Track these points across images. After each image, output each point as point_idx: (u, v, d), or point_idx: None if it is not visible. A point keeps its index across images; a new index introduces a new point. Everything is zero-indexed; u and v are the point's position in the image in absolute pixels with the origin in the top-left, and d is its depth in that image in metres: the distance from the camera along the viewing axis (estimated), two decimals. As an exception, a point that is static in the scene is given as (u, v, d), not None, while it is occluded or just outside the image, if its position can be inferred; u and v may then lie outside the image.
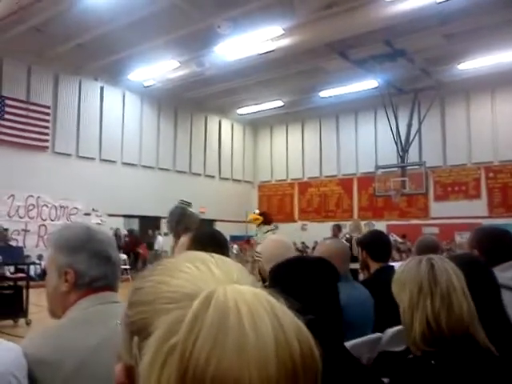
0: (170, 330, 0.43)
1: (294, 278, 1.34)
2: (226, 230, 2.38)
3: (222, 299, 0.43)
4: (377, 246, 3.15)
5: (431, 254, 1.42)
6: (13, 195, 14.31)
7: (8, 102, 14.50)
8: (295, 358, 0.42)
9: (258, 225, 8.57)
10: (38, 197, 14.90)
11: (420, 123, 17.03)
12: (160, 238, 16.46)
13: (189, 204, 5.74)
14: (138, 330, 0.49)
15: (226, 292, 0.44)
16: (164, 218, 18.22)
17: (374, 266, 3.04)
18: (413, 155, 16.97)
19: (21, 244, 13.40)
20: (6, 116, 14.41)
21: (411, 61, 14.70)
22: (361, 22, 11.71)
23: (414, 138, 16.78)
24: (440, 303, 1.27)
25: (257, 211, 10.15)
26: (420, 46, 13.67)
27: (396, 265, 3.28)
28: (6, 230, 13.18)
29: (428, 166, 16.81)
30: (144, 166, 18.21)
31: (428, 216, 18.33)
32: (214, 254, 0.56)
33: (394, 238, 17.32)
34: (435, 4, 10.71)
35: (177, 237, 6.85)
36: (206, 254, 0.55)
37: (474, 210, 16.90)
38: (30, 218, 14.70)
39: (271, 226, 8.49)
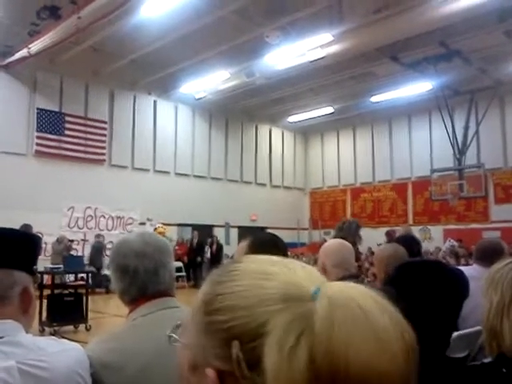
0: (291, 329, 0.46)
1: (432, 281, 1.34)
2: (278, 237, 2.39)
3: (340, 296, 0.48)
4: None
5: None
6: (72, 207, 14.94)
7: (68, 118, 15.18)
8: (409, 350, 0.47)
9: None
10: (96, 208, 15.47)
11: (478, 124, 16.39)
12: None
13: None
14: (242, 334, 0.49)
15: (340, 289, 0.49)
16: (216, 226, 18.56)
17: None
18: (470, 157, 16.34)
19: (80, 253, 13.95)
20: (66, 132, 15.09)
21: (467, 61, 14.19)
22: (412, 25, 11.41)
23: (471, 139, 16.18)
24: None
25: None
26: (477, 45, 13.15)
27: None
28: (72, 241, 13.80)
29: (487, 168, 16.16)
30: (196, 176, 18.51)
31: (488, 220, 17.55)
32: (282, 258, 0.57)
33: (451, 242, 16.73)
34: (493, 0, 10.27)
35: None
36: (277, 257, 0.57)
37: (540, 213, 16.04)
38: (88, 228, 15.28)
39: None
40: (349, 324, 0.45)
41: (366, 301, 0.48)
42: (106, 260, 14.02)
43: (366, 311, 0.47)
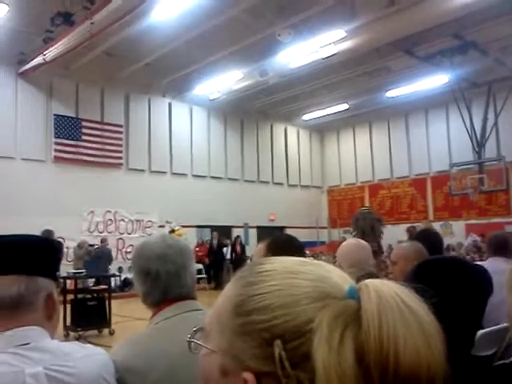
0: (336, 326, 0.47)
1: (454, 280, 1.32)
2: (296, 236, 2.38)
3: (383, 291, 0.49)
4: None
5: None
6: (92, 211, 15.10)
7: (84, 123, 15.35)
8: (444, 344, 0.48)
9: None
10: (115, 212, 15.62)
11: (496, 116, 16.12)
12: (229, 248, 16.61)
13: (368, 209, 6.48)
14: (284, 333, 0.49)
15: (381, 285, 0.50)
16: (235, 227, 18.57)
17: None
18: (490, 150, 16.07)
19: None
20: (83, 137, 15.26)
21: (484, 52, 13.97)
22: (426, 17, 11.27)
23: (490, 132, 15.92)
24: None
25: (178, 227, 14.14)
26: (493, 36, 12.94)
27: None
28: (92, 245, 13.87)
29: (508, 161, 15.87)
30: (213, 177, 18.57)
31: (510, 213, 17.25)
32: (310, 259, 0.59)
33: (473, 237, 16.48)
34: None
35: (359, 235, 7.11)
36: (302, 258, 0.58)
37: None
38: (108, 232, 15.39)
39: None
40: (397, 319, 0.47)
41: (407, 297, 0.49)
42: (121, 264, 14.14)
43: (409, 306, 0.48)
